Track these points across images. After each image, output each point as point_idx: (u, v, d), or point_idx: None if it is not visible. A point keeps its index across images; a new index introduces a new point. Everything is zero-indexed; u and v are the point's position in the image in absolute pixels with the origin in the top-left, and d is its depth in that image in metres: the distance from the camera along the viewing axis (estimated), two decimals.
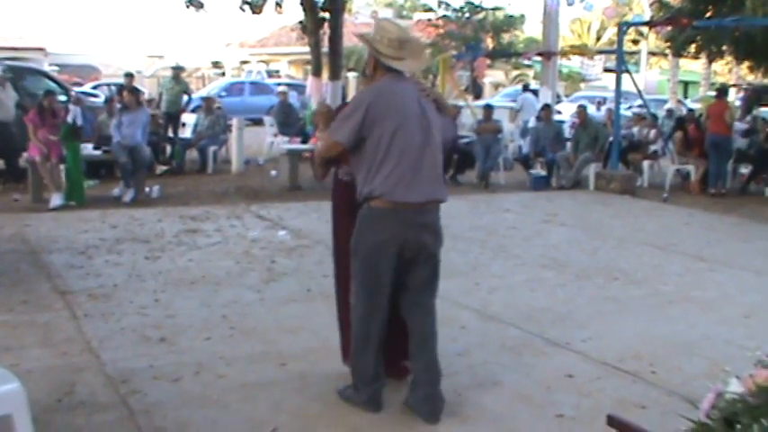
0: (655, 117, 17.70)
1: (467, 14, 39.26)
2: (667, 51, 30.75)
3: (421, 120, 4.65)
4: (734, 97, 26.79)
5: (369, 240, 4.69)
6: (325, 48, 19.61)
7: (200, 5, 19.58)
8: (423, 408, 4.77)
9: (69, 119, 12.50)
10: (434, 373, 4.82)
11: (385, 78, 4.74)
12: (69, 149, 12.32)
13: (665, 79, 43.41)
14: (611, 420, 2.88)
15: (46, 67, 26.51)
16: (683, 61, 37.73)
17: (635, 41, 41.91)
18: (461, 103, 18.70)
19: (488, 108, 17.04)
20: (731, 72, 41.87)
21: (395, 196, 4.58)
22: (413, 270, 4.78)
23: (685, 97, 37.91)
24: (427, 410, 4.76)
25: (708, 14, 18.95)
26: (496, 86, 41.49)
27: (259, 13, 20.26)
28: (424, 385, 4.79)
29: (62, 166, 12.52)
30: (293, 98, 21.88)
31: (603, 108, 22.46)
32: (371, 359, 4.81)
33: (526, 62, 42.16)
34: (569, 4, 21.46)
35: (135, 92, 14.28)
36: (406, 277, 4.80)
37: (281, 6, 20.54)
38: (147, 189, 12.92)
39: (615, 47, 17.40)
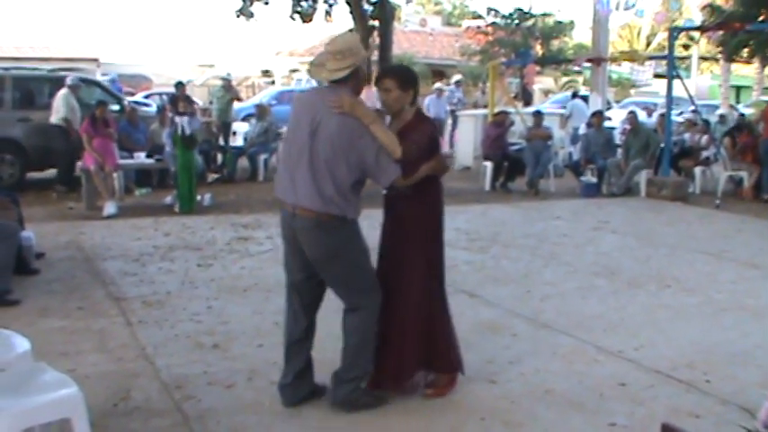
0: (707, 123, 17.50)
1: (516, 21, 39.11)
2: (719, 56, 30.47)
3: (309, 128, 4.72)
4: None
5: None
6: (374, 56, 19.66)
7: (251, 15, 19.75)
8: (331, 393, 5.07)
9: (179, 129, 12.63)
10: (344, 365, 5.00)
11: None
12: (180, 158, 12.58)
13: (716, 84, 42.87)
14: (666, 429, 2.87)
15: (98, 77, 26.87)
16: (734, 66, 37.28)
17: (686, 46, 41.47)
18: (511, 109, 18.62)
19: (538, 115, 16.97)
20: None
21: (277, 194, 4.96)
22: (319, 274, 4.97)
23: (737, 102, 37.38)
24: (332, 397, 5.05)
25: (761, 18, 18.72)
26: (546, 93, 41.35)
27: (309, 21, 20.38)
28: (337, 374, 5.05)
29: (115, 175, 12.72)
30: None
31: (655, 114, 22.22)
32: (285, 351, 5.11)
33: (576, 68, 41.86)
34: (626, 8, 21.35)
35: (189, 101, 14.45)
36: None
37: (330, 15, 20.64)
38: (198, 197, 13.03)
39: (666, 52, 17.25)
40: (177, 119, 12.63)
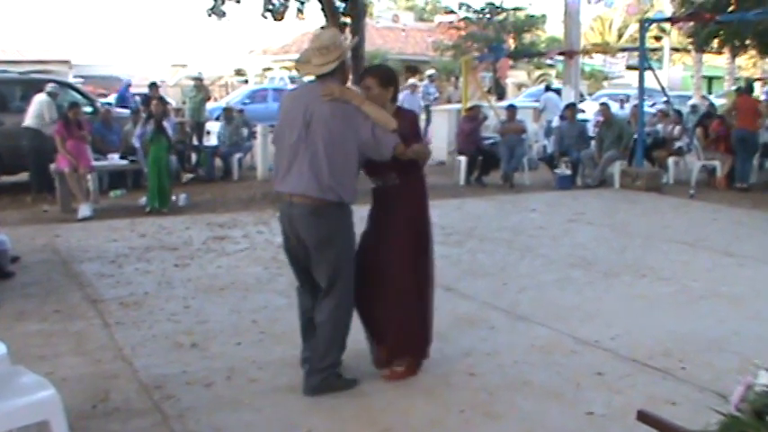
0: (679, 113, 17.60)
1: (488, 16, 39.20)
2: (690, 47, 30.56)
3: (303, 120, 4.91)
4: (759, 91, 26.53)
5: None
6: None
7: (222, 14, 19.67)
8: (304, 382, 5.22)
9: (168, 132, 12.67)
10: (315, 355, 5.18)
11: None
12: (150, 153, 12.62)
13: (688, 75, 43.20)
14: (642, 416, 2.89)
15: (71, 79, 26.65)
16: (706, 56, 37.51)
17: (657, 38, 41.70)
18: (485, 104, 18.67)
19: (512, 108, 17.04)
20: (755, 66, 41.60)
21: (276, 186, 5.16)
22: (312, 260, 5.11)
23: (709, 93, 37.67)
24: (305, 385, 5.20)
25: (730, 9, 18.78)
26: (519, 87, 41.43)
27: (281, 19, 20.32)
28: (310, 363, 5.22)
29: (89, 177, 12.65)
30: None
31: (627, 106, 22.32)
32: (301, 330, 5.41)
33: (548, 62, 42.07)
34: (591, 2, 21.45)
35: (163, 102, 14.40)
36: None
37: (302, 12, 20.60)
38: (174, 197, 12.99)
39: (637, 44, 17.33)
40: (165, 123, 12.69)
